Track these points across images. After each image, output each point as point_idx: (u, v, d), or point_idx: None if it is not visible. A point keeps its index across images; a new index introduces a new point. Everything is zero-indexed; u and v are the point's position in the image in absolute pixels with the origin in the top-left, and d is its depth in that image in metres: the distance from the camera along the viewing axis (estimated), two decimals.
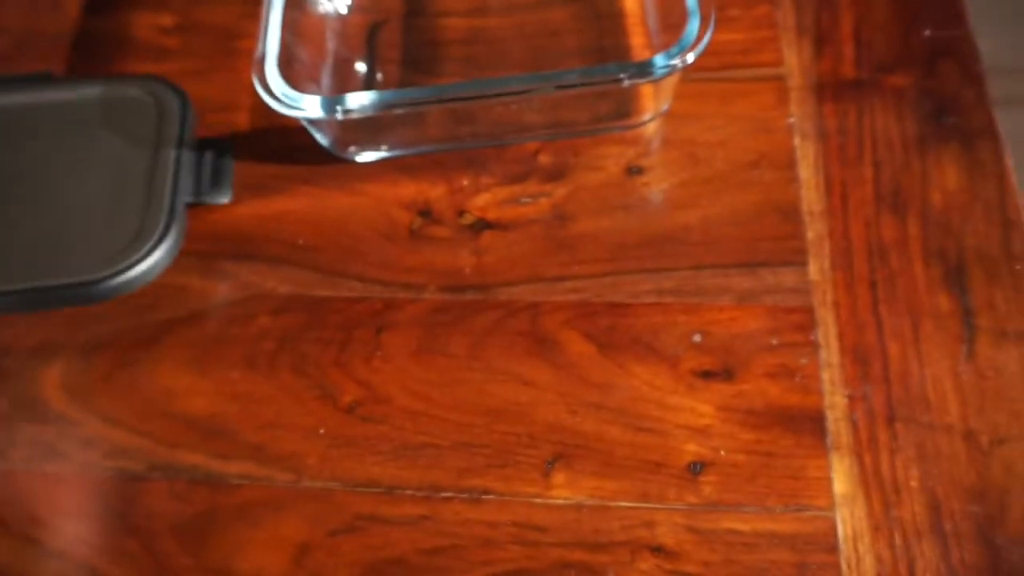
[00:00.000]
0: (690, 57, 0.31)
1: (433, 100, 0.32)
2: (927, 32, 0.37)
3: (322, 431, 0.31)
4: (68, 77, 0.41)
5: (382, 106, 0.32)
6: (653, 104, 0.35)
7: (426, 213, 0.36)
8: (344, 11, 0.40)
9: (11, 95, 0.38)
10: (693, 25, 0.31)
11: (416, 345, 0.32)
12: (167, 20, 0.43)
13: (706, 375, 0.31)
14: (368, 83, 0.39)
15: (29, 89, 0.38)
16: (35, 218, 0.35)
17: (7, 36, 0.43)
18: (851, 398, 0.30)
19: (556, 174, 0.36)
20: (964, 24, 0.36)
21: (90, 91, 0.38)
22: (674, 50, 0.31)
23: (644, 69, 0.31)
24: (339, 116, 0.32)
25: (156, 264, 0.33)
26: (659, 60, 0.31)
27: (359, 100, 0.32)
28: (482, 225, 0.35)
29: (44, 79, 0.39)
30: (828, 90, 0.36)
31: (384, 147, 0.36)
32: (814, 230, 0.33)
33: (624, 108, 0.35)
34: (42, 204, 0.35)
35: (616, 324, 0.32)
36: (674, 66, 0.31)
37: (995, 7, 0.57)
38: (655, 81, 0.32)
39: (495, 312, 0.33)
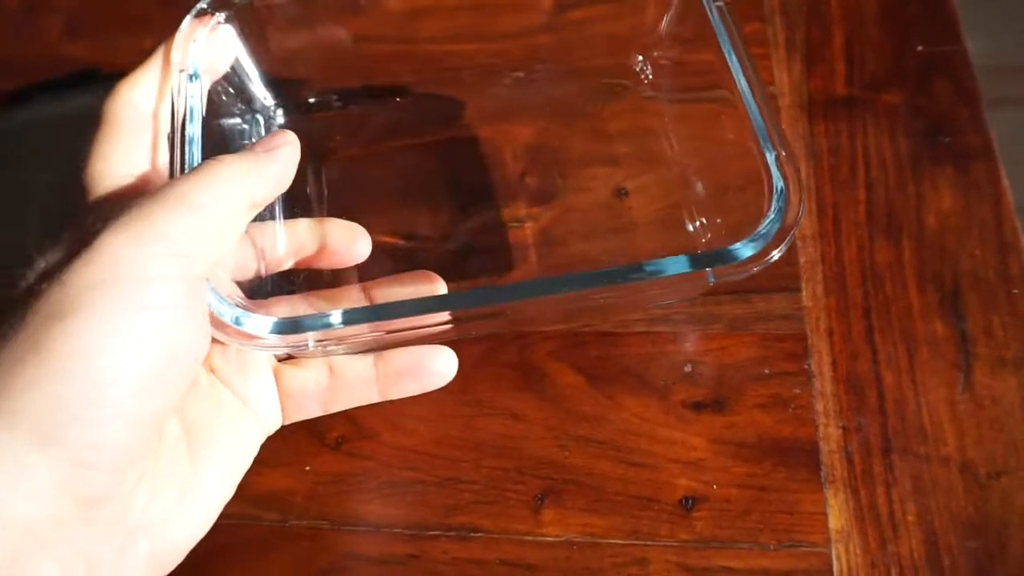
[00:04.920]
0: (782, 247, 0.23)
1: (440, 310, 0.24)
2: (919, 48, 0.36)
3: (308, 468, 0.31)
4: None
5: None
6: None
7: (411, 236, 0.35)
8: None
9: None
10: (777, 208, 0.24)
11: None
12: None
13: (697, 406, 0.30)
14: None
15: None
16: None
17: None
18: (845, 429, 0.29)
19: (544, 197, 0.35)
20: (958, 40, 0.36)
21: None
22: (764, 234, 0.23)
23: (726, 258, 0.23)
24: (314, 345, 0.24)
25: None
26: (741, 247, 0.23)
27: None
28: (468, 250, 0.34)
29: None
30: (819, 109, 0.35)
31: None
32: (806, 255, 0.32)
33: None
34: None
35: (606, 354, 0.31)
36: (767, 260, 0.23)
37: (984, 7, 0.57)
38: (738, 276, 0.24)
39: (483, 343, 0.32)
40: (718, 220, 0.30)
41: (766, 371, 0.30)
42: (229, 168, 0.21)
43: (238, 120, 0.31)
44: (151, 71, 0.25)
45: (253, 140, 0.32)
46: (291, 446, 0.31)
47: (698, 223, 0.32)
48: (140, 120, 0.24)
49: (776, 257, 0.23)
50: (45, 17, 0.43)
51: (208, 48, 0.27)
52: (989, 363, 0.29)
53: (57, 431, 0.18)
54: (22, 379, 0.18)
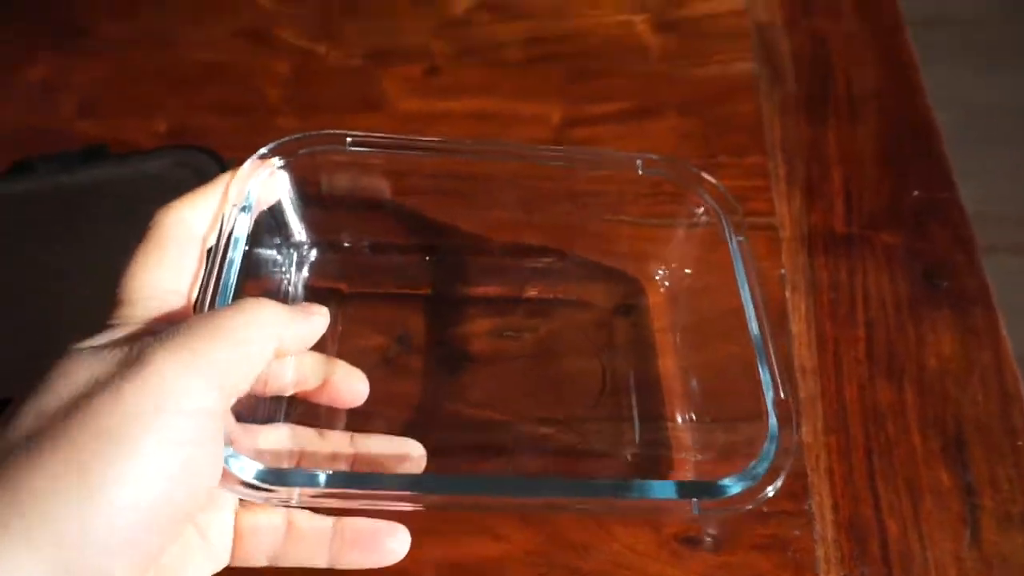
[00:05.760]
0: (770, 491, 0.23)
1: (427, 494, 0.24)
2: (915, 192, 0.37)
3: None
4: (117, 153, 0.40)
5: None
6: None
7: (403, 339, 0.34)
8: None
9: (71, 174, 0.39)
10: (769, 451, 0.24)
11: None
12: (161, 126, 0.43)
13: (691, 542, 0.28)
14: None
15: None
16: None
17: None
18: None
19: (542, 308, 0.35)
20: (951, 188, 0.37)
21: (133, 166, 0.38)
22: (754, 470, 0.23)
23: (713, 492, 0.23)
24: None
25: None
26: (730, 484, 0.23)
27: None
28: (462, 357, 0.33)
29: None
30: (819, 243, 0.36)
31: None
32: (806, 389, 0.32)
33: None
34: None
35: (598, 476, 0.30)
36: (759, 497, 0.23)
37: (975, 155, 0.59)
38: (727, 513, 0.24)
39: (464, 456, 0.31)
40: (711, 431, 0.30)
41: (764, 509, 0.29)
42: (270, 311, 0.22)
43: (273, 252, 0.33)
44: (208, 197, 0.26)
45: (283, 270, 0.33)
46: None
47: (689, 416, 0.31)
48: (190, 239, 0.24)
49: (768, 495, 0.23)
50: (61, 94, 0.44)
51: (262, 188, 0.28)
52: (996, 518, 0.28)
53: (75, 562, 0.17)
54: (63, 502, 0.17)
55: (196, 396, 0.19)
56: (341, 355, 0.31)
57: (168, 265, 0.23)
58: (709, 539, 0.28)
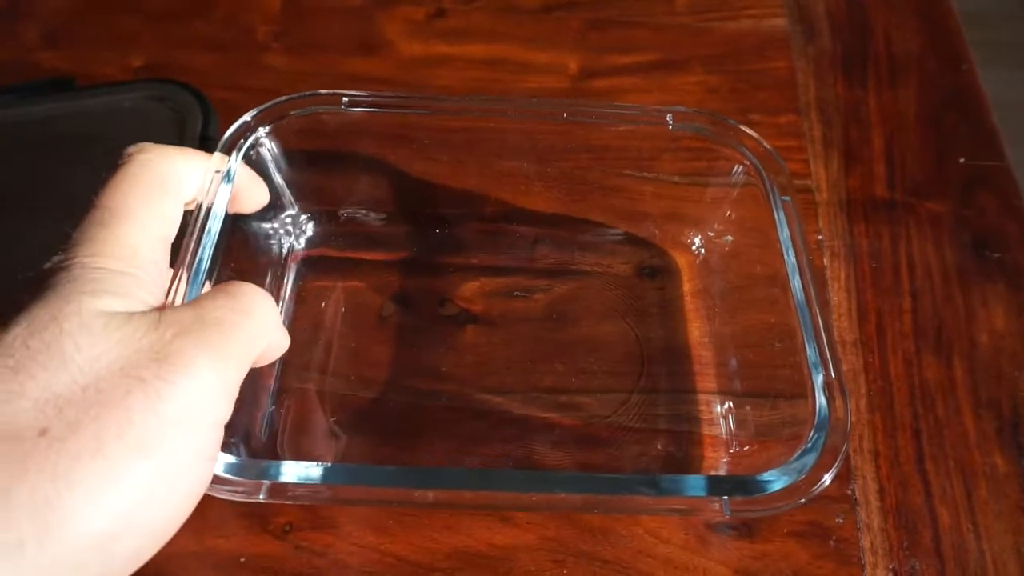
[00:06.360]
0: (816, 489, 0.21)
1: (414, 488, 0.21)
2: (962, 160, 0.34)
3: (243, 560, 0.25)
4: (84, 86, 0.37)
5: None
6: None
7: (401, 299, 0.31)
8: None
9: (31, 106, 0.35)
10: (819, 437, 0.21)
11: (373, 458, 0.26)
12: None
13: (723, 529, 0.25)
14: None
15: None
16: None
17: None
18: (897, 573, 0.24)
19: (556, 268, 0.31)
20: (1000, 155, 0.34)
21: (103, 99, 0.35)
22: (796, 466, 0.21)
23: (749, 488, 0.21)
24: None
25: None
26: (773, 478, 0.21)
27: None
28: (465, 318, 0.30)
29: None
30: (859, 209, 0.33)
31: None
32: (847, 363, 0.29)
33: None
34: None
35: (616, 453, 0.27)
36: (799, 500, 0.21)
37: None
38: (768, 512, 0.21)
39: (473, 424, 0.27)
40: (747, 408, 0.27)
41: (816, 492, 0.26)
42: (272, 314, 0.20)
43: (265, 223, 0.30)
44: (199, 157, 0.23)
45: (278, 241, 0.31)
46: (224, 529, 0.25)
47: (727, 405, 0.28)
48: (183, 193, 0.22)
49: (812, 495, 0.21)
50: (22, 22, 0.40)
51: (244, 164, 0.25)
52: None
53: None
54: (82, 495, 0.15)
55: (222, 407, 0.18)
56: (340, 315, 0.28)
57: (162, 217, 0.20)
58: (742, 525, 0.25)
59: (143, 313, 0.18)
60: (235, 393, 0.18)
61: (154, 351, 0.17)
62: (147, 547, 0.17)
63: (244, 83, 0.38)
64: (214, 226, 0.23)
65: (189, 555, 0.24)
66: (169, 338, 0.17)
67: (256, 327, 0.19)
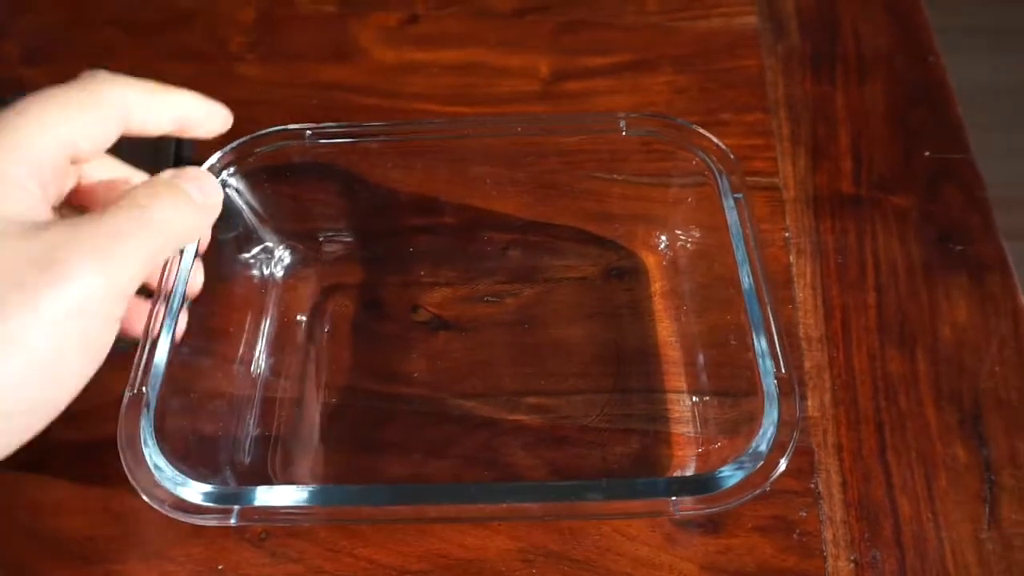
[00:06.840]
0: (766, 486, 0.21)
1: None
2: (927, 153, 0.35)
3: (221, 567, 0.25)
4: None
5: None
6: None
7: (374, 306, 0.31)
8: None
9: None
10: (769, 422, 0.22)
11: (347, 463, 0.27)
12: None
13: (689, 525, 0.26)
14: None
15: None
16: None
17: None
18: (858, 564, 0.25)
19: (526, 272, 0.32)
20: (965, 149, 0.35)
21: None
22: (744, 463, 0.21)
23: (702, 485, 0.21)
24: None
25: None
26: (727, 473, 0.21)
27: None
28: (437, 324, 0.31)
29: None
30: (825, 205, 0.33)
31: None
32: (812, 359, 0.29)
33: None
34: None
35: (586, 454, 0.27)
36: (747, 490, 0.21)
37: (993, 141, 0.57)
38: (719, 509, 0.21)
39: (444, 428, 0.28)
40: (713, 406, 0.28)
41: (767, 487, 0.26)
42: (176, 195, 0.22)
43: (245, 256, 0.31)
44: (163, 98, 0.24)
45: (261, 274, 0.32)
46: (199, 536, 0.26)
47: (695, 403, 0.28)
48: (125, 120, 0.23)
49: (762, 490, 0.21)
50: (4, 40, 0.40)
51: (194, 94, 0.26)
52: (1016, 496, 0.26)
53: None
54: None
55: (113, 304, 0.19)
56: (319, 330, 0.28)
57: (89, 136, 0.21)
58: (707, 521, 0.26)
59: (32, 223, 0.19)
60: (132, 288, 0.20)
61: (35, 259, 0.18)
62: (29, 425, 0.19)
63: (219, 95, 0.38)
64: (187, 259, 0.25)
65: (166, 561, 0.25)
66: (54, 246, 0.19)
67: (158, 227, 0.21)
